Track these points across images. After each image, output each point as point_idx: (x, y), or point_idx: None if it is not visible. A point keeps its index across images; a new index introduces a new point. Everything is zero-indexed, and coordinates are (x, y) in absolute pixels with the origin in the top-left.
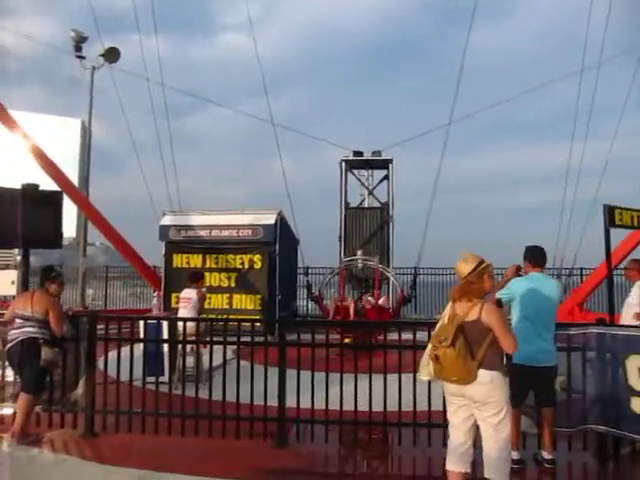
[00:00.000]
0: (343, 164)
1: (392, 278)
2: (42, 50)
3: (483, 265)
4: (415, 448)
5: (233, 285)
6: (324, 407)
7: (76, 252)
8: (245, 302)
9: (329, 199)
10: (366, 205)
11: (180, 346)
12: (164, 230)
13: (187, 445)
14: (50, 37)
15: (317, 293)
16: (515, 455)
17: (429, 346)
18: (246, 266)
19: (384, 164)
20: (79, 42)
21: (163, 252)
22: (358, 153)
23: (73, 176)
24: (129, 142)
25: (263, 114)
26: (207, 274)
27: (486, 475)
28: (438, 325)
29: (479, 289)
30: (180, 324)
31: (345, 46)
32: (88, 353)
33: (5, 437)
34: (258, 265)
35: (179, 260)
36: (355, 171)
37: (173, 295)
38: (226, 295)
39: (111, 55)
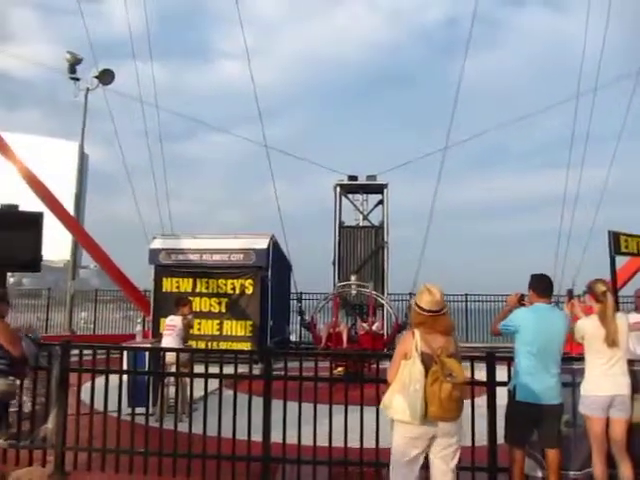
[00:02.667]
0: (338, 188)
1: (386, 305)
2: (42, 76)
3: None
4: None
5: (224, 310)
6: (312, 443)
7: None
8: (236, 328)
9: (323, 224)
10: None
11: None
12: (154, 253)
13: None
14: (48, 62)
15: (310, 319)
16: None
17: (416, 384)
18: (237, 291)
19: (379, 189)
20: (74, 64)
21: (152, 276)
22: (353, 177)
23: (69, 200)
24: (123, 167)
25: (258, 140)
26: (197, 299)
27: None
28: (415, 360)
29: (452, 322)
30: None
31: (339, 75)
32: (60, 385)
33: None
34: (249, 290)
35: (169, 284)
36: (350, 196)
37: (162, 320)
38: (216, 321)
39: (105, 77)
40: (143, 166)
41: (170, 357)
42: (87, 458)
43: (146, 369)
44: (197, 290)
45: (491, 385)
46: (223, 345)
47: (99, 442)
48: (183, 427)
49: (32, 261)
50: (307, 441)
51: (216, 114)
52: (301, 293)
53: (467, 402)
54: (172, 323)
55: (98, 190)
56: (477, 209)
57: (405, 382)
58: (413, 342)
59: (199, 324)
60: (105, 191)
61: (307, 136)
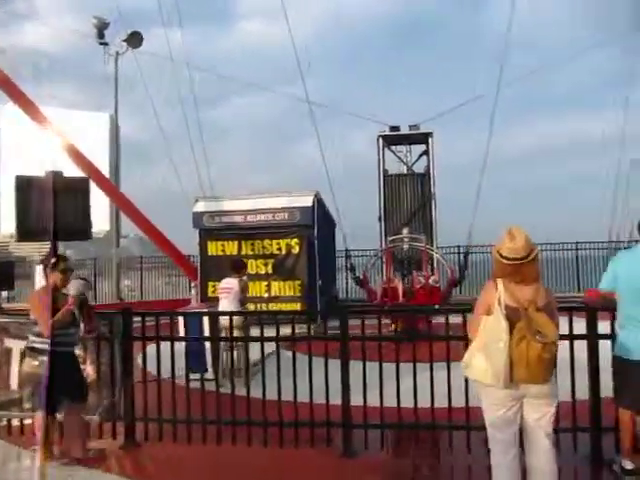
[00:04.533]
0: (380, 140)
1: (441, 259)
2: (70, 49)
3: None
4: None
5: (270, 272)
6: (389, 405)
7: (109, 244)
8: (284, 289)
9: (366, 181)
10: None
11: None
12: (197, 217)
13: (241, 456)
14: (75, 34)
15: (362, 276)
16: (629, 464)
17: (499, 343)
18: (283, 251)
19: (423, 138)
20: (101, 28)
21: (198, 240)
22: (395, 128)
23: (104, 171)
24: (157, 133)
25: (290, 100)
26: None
27: None
28: (498, 314)
29: (539, 269)
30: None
31: (368, 26)
32: (124, 355)
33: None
34: (296, 250)
35: (214, 248)
36: (393, 148)
37: (210, 284)
38: (264, 282)
39: (134, 40)
40: (173, 133)
41: (227, 321)
42: (158, 428)
43: (204, 334)
44: (242, 252)
45: (592, 338)
46: (272, 307)
47: (169, 409)
48: (243, 392)
49: (82, 229)
50: (376, 403)
51: (247, 76)
52: (347, 250)
53: (566, 357)
54: (228, 286)
55: (129, 160)
56: (524, 155)
57: (487, 340)
58: (496, 294)
59: None
60: (137, 161)
61: (340, 93)
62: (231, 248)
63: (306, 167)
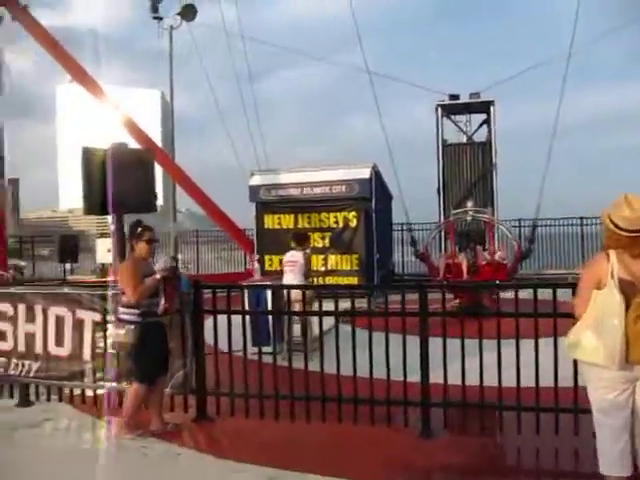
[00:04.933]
0: (439, 109)
1: (507, 232)
2: (123, 25)
3: None
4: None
5: (328, 245)
6: (470, 383)
7: (164, 219)
8: (341, 262)
9: (422, 151)
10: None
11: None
12: (254, 190)
13: (314, 433)
14: (129, 8)
15: (423, 250)
16: None
17: (614, 319)
18: (341, 224)
19: (484, 107)
20: (155, 2)
21: (254, 213)
22: (454, 97)
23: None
24: (208, 107)
25: (342, 69)
26: None
27: None
28: (612, 288)
29: None
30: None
31: None
32: (195, 327)
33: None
34: (353, 223)
35: (271, 221)
36: (452, 117)
37: (266, 257)
38: (321, 256)
39: (188, 13)
40: (225, 107)
41: (297, 294)
42: (230, 402)
43: (267, 307)
44: (299, 225)
45: None
46: (329, 280)
47: (240, 384)
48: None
49: (147, 202)
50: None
51: (297, 49)
52: (408, 224)
53: None
54: (293, 259)
55: (180, 135)
56: (594, 123)
57: (598, 316)
58: (608, 266)
59: None
60: (188, 136)
61: (399, 59)
62: (288, 221)
63: (359, 139)
